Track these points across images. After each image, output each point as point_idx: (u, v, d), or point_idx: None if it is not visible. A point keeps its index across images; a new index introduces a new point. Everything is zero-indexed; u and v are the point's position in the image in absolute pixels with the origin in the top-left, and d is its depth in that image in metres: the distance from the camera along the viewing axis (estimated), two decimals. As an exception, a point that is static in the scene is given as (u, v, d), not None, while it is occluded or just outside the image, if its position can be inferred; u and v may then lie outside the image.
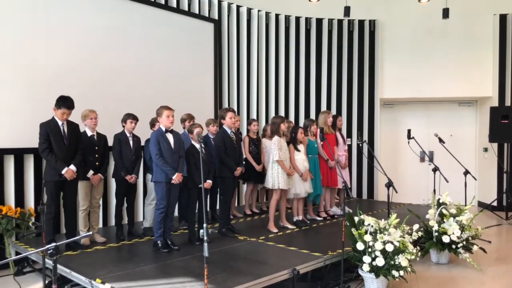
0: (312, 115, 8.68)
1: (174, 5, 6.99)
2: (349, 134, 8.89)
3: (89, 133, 4.97)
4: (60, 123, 4.58)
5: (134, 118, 5.26)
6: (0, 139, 5.08)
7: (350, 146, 8.49)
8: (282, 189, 5.46)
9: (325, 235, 5.40)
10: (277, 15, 8.56)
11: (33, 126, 4.71)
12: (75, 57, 5.68)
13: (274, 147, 5.41)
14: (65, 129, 4.61)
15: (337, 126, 6.71)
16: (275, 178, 5.40)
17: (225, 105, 7.65)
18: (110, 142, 5.23)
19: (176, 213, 5.44)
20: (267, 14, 8.44)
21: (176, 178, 4.59)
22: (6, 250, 4.99)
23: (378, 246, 3.98)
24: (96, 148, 4.99)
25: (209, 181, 5.01)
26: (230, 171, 5.35)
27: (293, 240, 5.11)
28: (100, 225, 5.79)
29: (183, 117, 5.85)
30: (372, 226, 4.14)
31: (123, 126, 5.27)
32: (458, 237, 4.93)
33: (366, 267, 4.04)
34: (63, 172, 4.48)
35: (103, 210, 5.93)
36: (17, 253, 4.91)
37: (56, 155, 4.49)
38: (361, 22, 8.99)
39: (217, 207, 6.27)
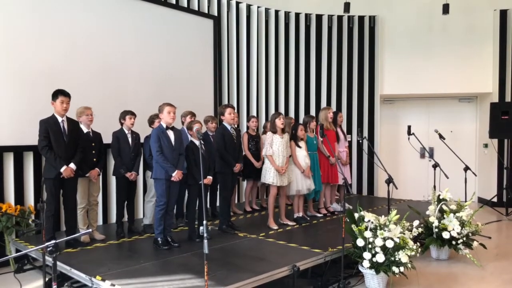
0: (312, 112, 8.67)
1: (173, 1, 6.96)
2: (349, 131, 8.88)
3: (85, 130, 4.95)
4: (60, 119, 4.56)
5: (133, 114, 5.26)
6: (0, 137, 5.06)
7: (350, 143, 8.46)
8: (279, 186, 5.46)
9: (325, 231, 5.40)
10: (276, 11, 8.53)
11: (32, 124, 4.70)
12: (73, 54, 5.66)
13: (265, 142, 5.44)
14: (65, 126, 4.60)
15: (338, 122, 6.69)
16: (263, 172, 5.47)
17: (225, 101, 7.63)
18: (105, 139, 5.21)
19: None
20: (266, 10, 8.41)
21: (176, 175, 4.59)
22: (6, 248, 4.99)
23: (378, 242, 3.98)
24: (93, 144, 4.98)
25: (210, 177, 5.01)
26: (229, 167, 5.35)
27: (293, 236, 5.11)
28: (100, 222, 5.79)
29: (185, 113, 5.81)
30: (372, 222, 4.14)
31: (121, 124, 5.26)
32: (458, 233, 4.93)
33: (366, 264, 4.05)
34: (61, 170, 4.47)
35: (103, 208, 5.93)
36: (17, 251, 4.92)
37: (56, 153, 4.48)
38: (361, 18, 8.96)
39: (217, 203, 6.28)
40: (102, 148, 5.17)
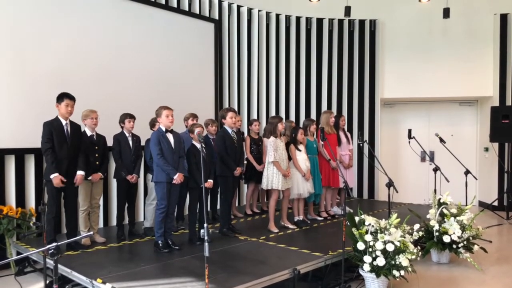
0: (313, 115, 8.69)
1: (175, 5, 6.99)
2: (350, 134, 8.88)
3: (89, 133, 4.96)
4: (64, 122, 4.57)
5: (132, 117, 5.27)
6: (1, 139, 5.09)
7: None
8: (281, 190, 5.46)
9: (326, 235, 5.40)
10: (277, 15, 8.56)
11: (33, 126, 4.72)
12: (75, 57, 5.69)
13: (269, 148, 5.42)
14: (69, 129, 4.61)
15: (340, 125, 6.70)
16: (269, 178, 5.41)
17: (226, 105, 7.65)
18: (109, 143, 5.23)
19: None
20: (267, 14, 8.44)
21: (178, 178, 4.60)
22: (7, 250, 5.00)
23: (379, 246, 3.98)
24: (96, 148, 4.99)
25: (210, 181, 5.01)
26: (230, 171, 5.36)
27: (293, 240, 5.11)
28: (101, 225, 5.80)
29: (186, 116, 5.84)
30: (372, 226, 4.14)
31: (122, 127, 5.27)
32: (459, 237, 4.93)
33: (366, 267, 4.04)
34: (51, 176, 4.42)
35: (104, 210, 5.94)
36: (18, 253, 4.91)
37: (57, 155, 4.49)
38: (362, 22, 8.99)
39: (218, 207, 6.28)
40: (106, 152, 5.18)
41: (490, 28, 8.70)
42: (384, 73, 8.98)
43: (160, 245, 4.62)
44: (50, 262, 3.79)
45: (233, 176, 5.42)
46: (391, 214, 4.36)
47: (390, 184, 4.77)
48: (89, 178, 4.89)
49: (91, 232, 4.85)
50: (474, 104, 9.38)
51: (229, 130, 5.48)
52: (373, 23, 8.96)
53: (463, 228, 5.00)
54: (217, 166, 5.35)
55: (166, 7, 6.84)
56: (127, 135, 5.25)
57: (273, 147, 5.39)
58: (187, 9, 7.16)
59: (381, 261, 3.96)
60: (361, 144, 8.45)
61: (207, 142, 5.57)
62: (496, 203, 8.19)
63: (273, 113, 8.40)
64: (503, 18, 8.58)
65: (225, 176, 5.39)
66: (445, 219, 5.12)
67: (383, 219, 4.23)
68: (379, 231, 4.09)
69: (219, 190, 5.87)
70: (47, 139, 4.47)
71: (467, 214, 5.13)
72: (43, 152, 4.52)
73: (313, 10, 8.80)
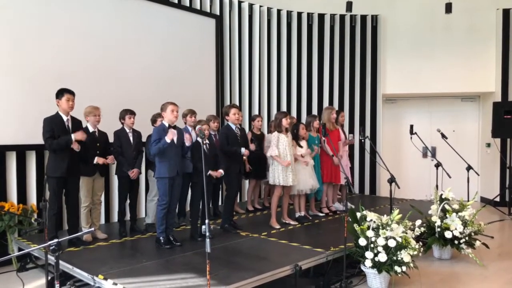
0: (314, 111, 8.67)
1: (176, 0, 6.96)
2: (351, 130, 8.88)
3: (91, 129, 4.96)
4: (65, 118, 4.56)
5: (132, 113, 5.26)
6: (2, 136, 5.08)
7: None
8: (283, 186, 5.46)
9: (327, 231, 5.39)
10: (278, 11, 8.53)
11: (35, 123, 4.71)
12: (76, 54, 5.67)
13: (272, 143, 5.41)
14: (70, 126, 4.60)
15: (340, 121, 6.68)
16: (274, 174, 5.42)
17: (227, 101, 7.64)
18: (110, 139, 5.23)
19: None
20: (268, 9, 8.40)
21: (170, 134, 4.52)
22: (9, 247, 5.01)
23: (381, 241, 3.98)
24: (98, 144, 4.98)
25: (220, 171, 5.01)
26: (236, 161, 5.35)
27: (295, 236, 5.11)
28: (103, 221, 5.81)
29: (185, 112, 5.83)
30: (374, 221, 4.14)
31: (122, 123, 5.27)
32: (460, 233, 4.92)
33: (368, 263, 4.04)
34: (73, 136, 4.43)
35: (106, 207, 5.94)
36: (19, 249, 4.93)
37: (59, 152, 4.47)
38: (363, 17, 8.95)
39: (219, 203, 6.28)
40: (108, 148, 5.17)
41: (493, 23, 8.65)
42: (385, 68, 8.94)
43: (162, 241, 4.62)
44: (51, 259, 3.78)
45: (237, 172, 5.42)
46: (392, 210, 4.36)
47: (391, 180, 4.76)
48: (95, 162, 4.88)
49: (93, 228, 4.85)
50: (476, 99, 9.34)
51: (233, 126, 5.48)
52: (374, 18, 8.92)
53: (465, 223, 4.99)
54: (222, 163, 5.34)
55: (167, 2, 6.81)
56: (127, 131, 5.24)
57: (275, 142, 5.38)
58: (188, 4, 7.14)
59: (382, 257, 3.96)
60: (362, 140, 8.42)
61: (209, 138, 5.56)
62: (498, 199, 8.18)
63: (274, 109, 8.39)
64: (506, 13, 8.53)
65: (229, 173, 5.39)
66: (447, 215, 5.11)
67: (385, 215, 4.23)
68: (380, 227, 4.09)
69: (220, 186, 5.87)
70: (47, 131, 4.44)
71: (469, 210, 5.12)
72: (45, 142, 4.46)
73: (314, 6, 8.77)
